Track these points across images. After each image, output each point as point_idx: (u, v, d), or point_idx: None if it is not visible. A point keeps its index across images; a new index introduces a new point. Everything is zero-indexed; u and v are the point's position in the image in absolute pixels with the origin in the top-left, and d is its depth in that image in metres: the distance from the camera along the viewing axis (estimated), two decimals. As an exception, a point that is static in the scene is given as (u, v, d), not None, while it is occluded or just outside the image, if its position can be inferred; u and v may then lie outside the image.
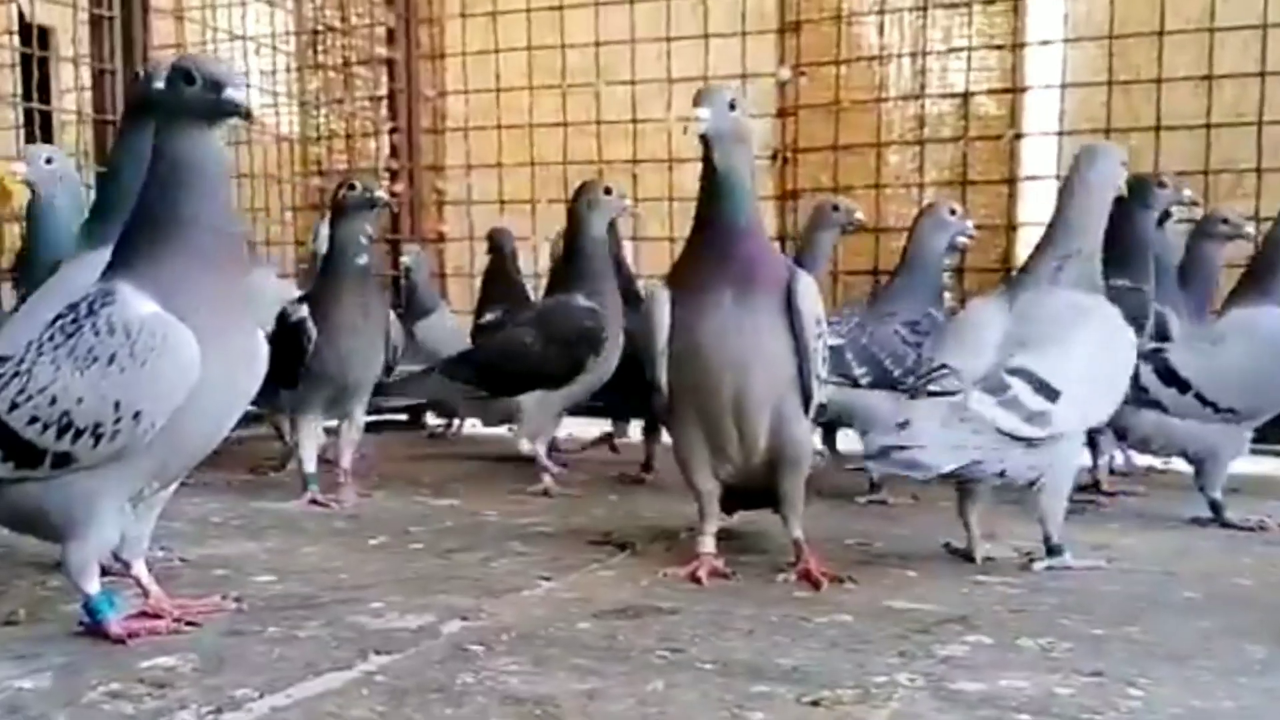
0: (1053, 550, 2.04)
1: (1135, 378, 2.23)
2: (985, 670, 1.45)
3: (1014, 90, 4.04)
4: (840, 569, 1.97)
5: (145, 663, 1.42)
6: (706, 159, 1.91)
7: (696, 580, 1.90)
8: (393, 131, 4.67)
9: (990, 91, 4.07)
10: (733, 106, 1.90)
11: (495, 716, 1.27)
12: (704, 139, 1.88)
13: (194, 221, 1.51)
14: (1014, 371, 1.98)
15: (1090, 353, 2.06)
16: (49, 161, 2.40)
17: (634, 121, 4.38)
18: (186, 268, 1.50)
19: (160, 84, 1.67)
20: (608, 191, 2.92)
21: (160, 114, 1.54)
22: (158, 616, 1.59)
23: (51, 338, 1.49)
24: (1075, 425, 2.05)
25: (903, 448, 1.90)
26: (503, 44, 4.57)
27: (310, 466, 2.65)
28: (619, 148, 4.40)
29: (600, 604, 1.75)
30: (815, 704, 1.32)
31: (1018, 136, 4.06)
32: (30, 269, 2.73)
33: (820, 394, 1.99)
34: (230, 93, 1.51)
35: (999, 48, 4.04)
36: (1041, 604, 1.80)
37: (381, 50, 4.68)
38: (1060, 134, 3.96)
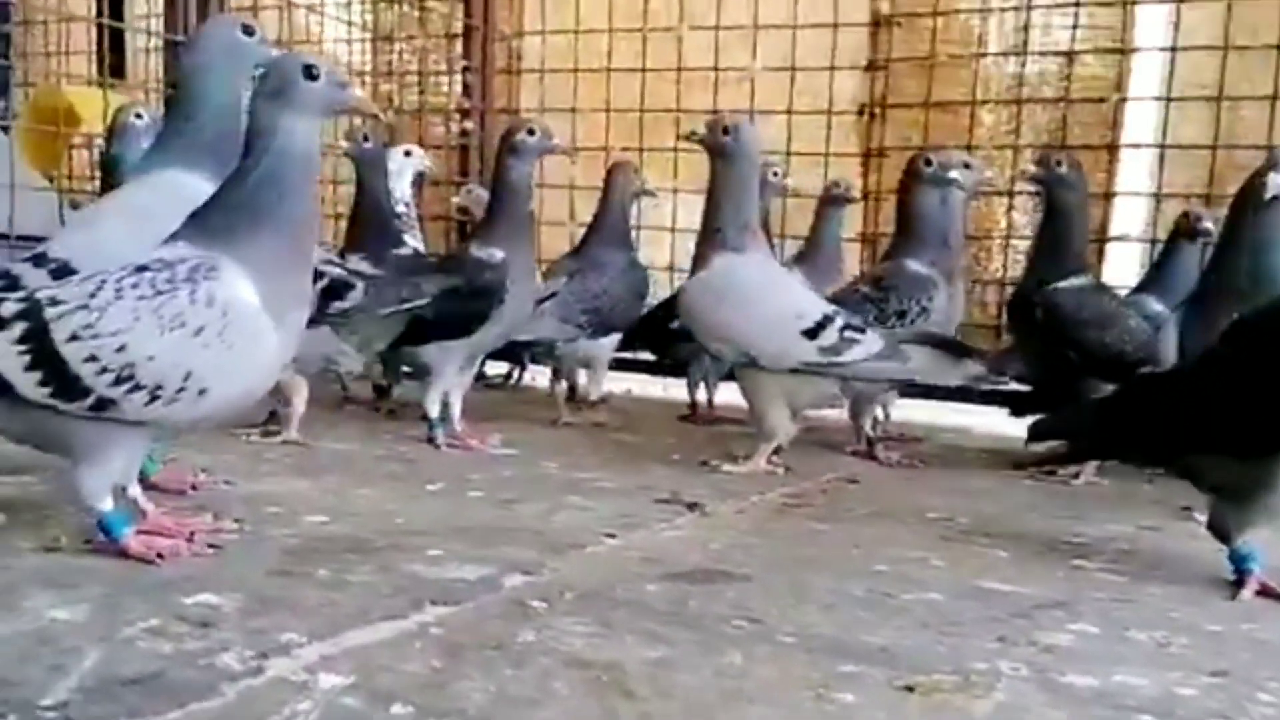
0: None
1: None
2: (1096, 663, 1.31)
3: (1122, 51, 3.82)
4: (927, 546, 1.86)
5: (188, 599, 1.34)
6: None
7: None
8: (466, 70, 4.55)
9: (1096, 50, 3.85)
10: None
11: (559, 680, 1.17)
12: None
13: (298, 211, 1.54)
14: None
15: None
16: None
17: (716, 70, 4.21)
18: (281, 254, 1.52)
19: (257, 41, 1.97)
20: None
21: (274, 105, 1.55)
22: (161, 535, 1.56)
23: (136, 285, 1.45)
24: None
25: None
26: (584, -18, 4.43)
27: (437, 410, 2.62)
28: (700, 97, 4.23)
29: (669, 566, 1.64)
30: (910, 689, 1.20)
31: (1123, 100, 3.84)
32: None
33: None
34: (354, 91, 1.60)
35: (1109, 4, 3.80)
36: (1150, 593, 1.65)
37: (459, -15, 4.56)
38: (1168, 100, 3.73)
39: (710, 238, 2.51)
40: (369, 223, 3.18)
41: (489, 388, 4.07)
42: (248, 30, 2.01)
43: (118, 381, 1.41)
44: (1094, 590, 1.65)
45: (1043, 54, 3.93)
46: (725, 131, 2.48)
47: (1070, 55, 3.86)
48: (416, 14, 4.63)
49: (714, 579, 1.59)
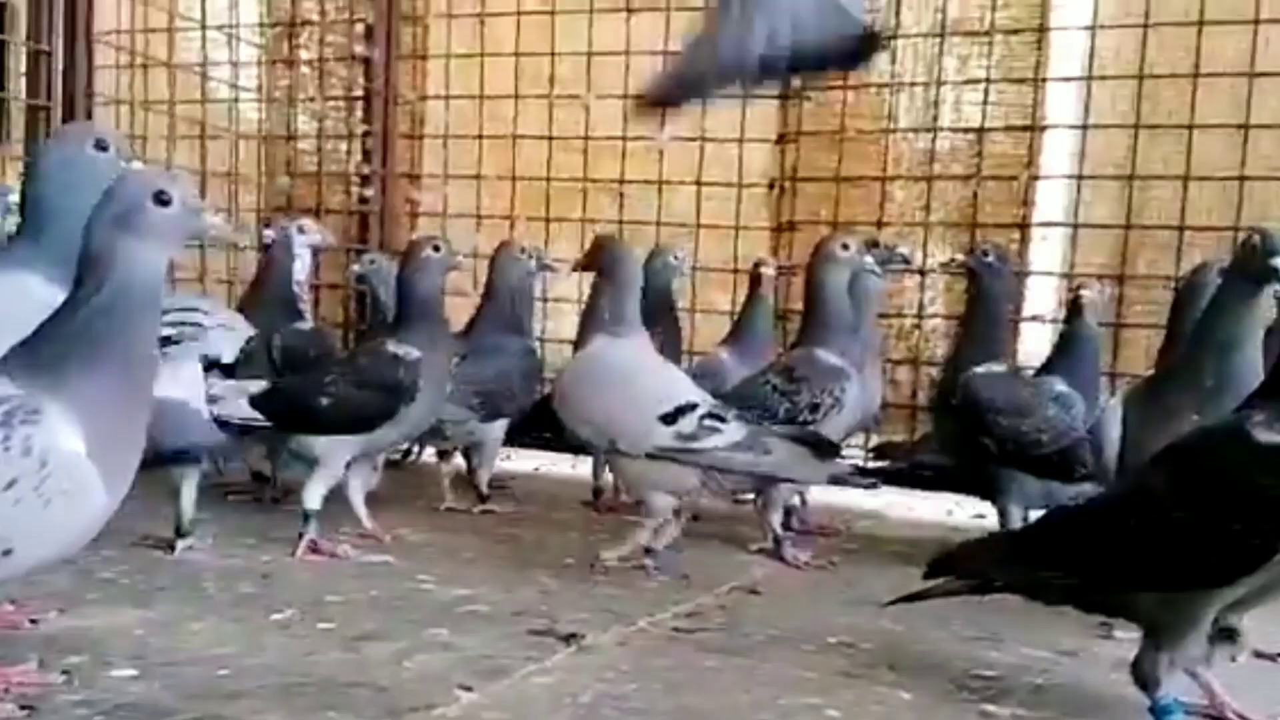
0: None
1: None
2: None
3: (1033, 128, 3.74)
4: (825, 686, 1.68)
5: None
6: None
7: None
8: (366, 135, 4.37)
9: (1007, 128, 3.77)
10: None
11: None
12: None
13: (137, 348, 1.40)
14: None
15: None
16: None
17: (624, 139, 4.07)
18: (116, 395, 1.36)
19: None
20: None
21: (117, 231, 1.37)
22: None
23: None
24: None
25: None
26: (489, 48, 4.26)
27: (317, 504, 2.47)
28: (608, 166, 4.10)
29: (527, 733, 1.44)
30: None
31: (1034, 178, 3.77)
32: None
33: None
34: (211, 218, 1.48)
35: (1019, 81, 3.74)
36: (1062, 754, 1.49)
37: (359, 48, 4.37)
38: (1079, 178, 3.67)
39: (590, 322, 2.55)
40: (275, 298, 3.11)
41: (389, 464, 3.84)
42: (101, 145, 1.88)
43: None
44: (1005, 753, 1.48)
45: (953, 130, 3.84)
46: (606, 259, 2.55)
47: (981, 132, 3.79)
48: (315, 76, 4.43)
49: (577, 753, 1.39)
